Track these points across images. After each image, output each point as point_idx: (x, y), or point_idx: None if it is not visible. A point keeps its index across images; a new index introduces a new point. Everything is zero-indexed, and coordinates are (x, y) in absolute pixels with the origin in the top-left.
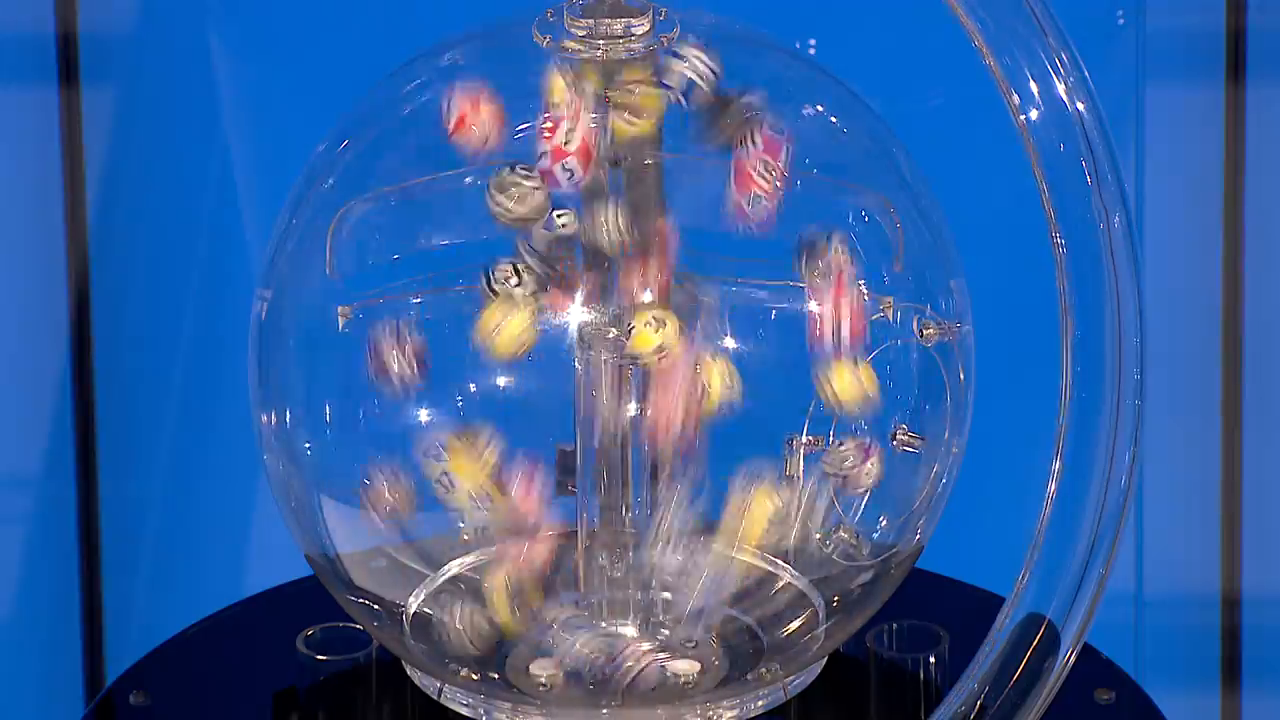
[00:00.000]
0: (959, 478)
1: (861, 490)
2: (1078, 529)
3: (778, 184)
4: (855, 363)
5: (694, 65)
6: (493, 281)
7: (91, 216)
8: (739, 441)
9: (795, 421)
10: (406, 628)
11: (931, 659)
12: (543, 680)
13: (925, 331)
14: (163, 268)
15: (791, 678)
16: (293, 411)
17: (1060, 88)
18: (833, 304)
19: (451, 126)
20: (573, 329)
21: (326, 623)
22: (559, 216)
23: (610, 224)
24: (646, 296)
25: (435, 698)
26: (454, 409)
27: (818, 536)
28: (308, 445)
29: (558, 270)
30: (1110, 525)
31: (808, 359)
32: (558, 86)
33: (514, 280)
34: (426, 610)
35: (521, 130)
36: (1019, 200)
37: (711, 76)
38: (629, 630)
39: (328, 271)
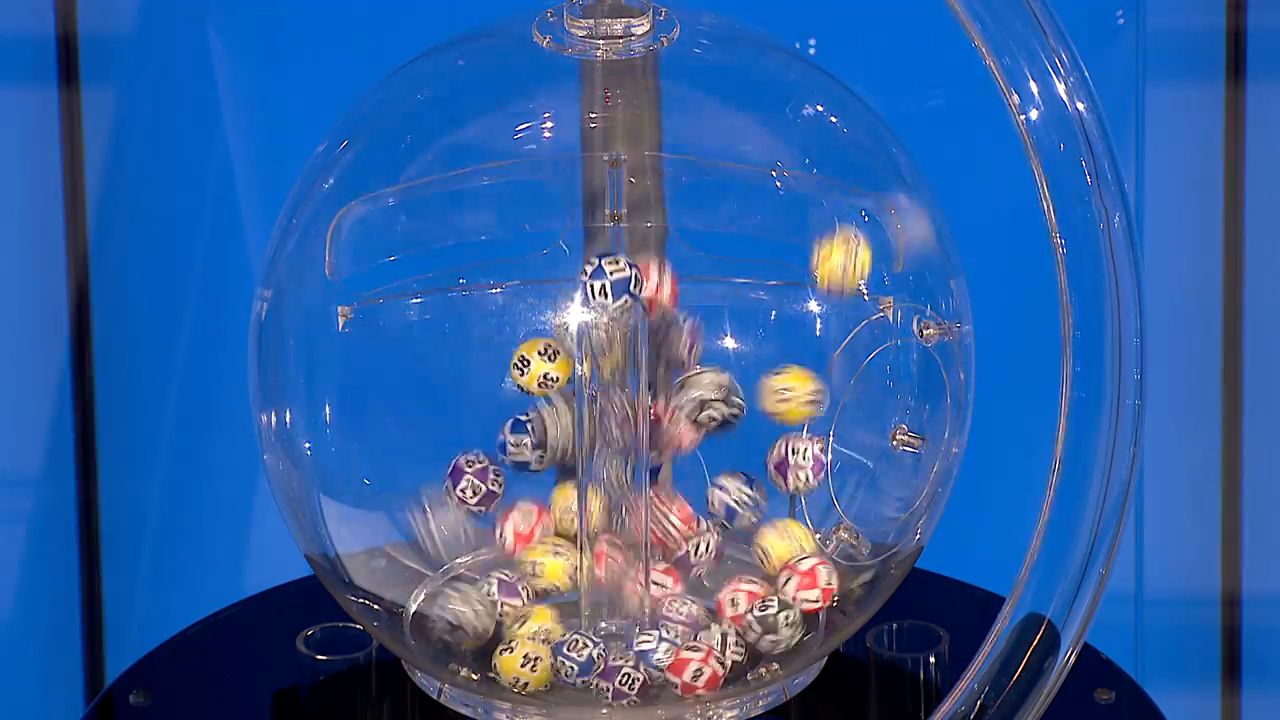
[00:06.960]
0: (959, 478)
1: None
2: (1078, 529)
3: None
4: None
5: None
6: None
7: (91, 216)
8: None
9: None
10: (406, 628)
11: (931, 659)
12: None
13: (925, 331)
14: (163, 268)
15: (791, 678)
16: (293, 411)
17: (1060, 88)
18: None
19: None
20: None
21: (326, 623)
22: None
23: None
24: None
25: (435, 698)
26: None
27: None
28: (308, 445)
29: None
30: (1110, 525)
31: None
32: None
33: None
34: (427, 610)
35: (522, 130)
36: (1019, 200)
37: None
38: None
39: (327, 272)
